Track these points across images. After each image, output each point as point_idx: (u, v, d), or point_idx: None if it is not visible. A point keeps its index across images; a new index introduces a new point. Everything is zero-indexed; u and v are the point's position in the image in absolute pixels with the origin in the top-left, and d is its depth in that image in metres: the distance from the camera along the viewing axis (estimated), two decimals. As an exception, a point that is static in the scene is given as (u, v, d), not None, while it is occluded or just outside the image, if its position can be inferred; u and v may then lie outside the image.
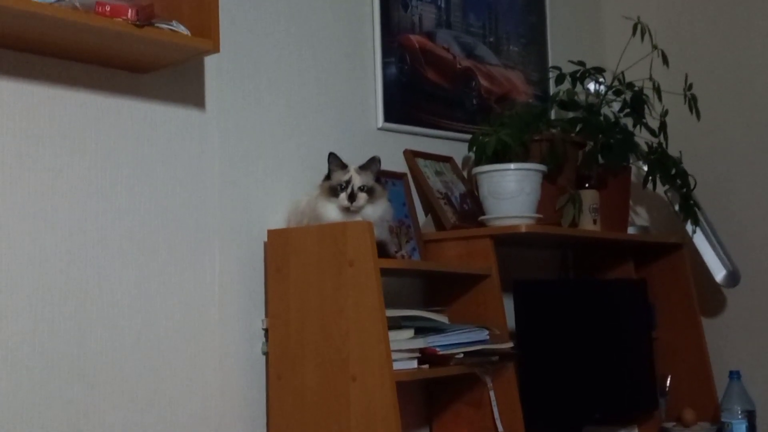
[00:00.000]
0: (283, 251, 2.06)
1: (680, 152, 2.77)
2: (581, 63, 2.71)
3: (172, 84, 2.03)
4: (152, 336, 1.95)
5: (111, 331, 1.89)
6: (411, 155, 2.54)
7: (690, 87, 2.71)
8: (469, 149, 2.54)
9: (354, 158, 2.15)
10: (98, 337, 1.88)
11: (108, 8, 1.70)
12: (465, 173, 2.70)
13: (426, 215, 2.54)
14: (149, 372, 1.93)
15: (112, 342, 1.89)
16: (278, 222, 2.17)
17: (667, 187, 2.77)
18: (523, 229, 2.33)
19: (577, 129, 2.63)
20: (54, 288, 1.83)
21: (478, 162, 2.49)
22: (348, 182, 2.05)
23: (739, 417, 2.53)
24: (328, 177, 2.10)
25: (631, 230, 2.78)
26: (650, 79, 2.68)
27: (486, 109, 2.74)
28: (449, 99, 2.67)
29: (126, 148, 1.95)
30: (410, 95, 2.56)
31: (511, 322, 2.34)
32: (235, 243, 2.11)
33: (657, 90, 2.67)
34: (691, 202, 2.74)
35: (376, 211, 2.06)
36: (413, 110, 2.57)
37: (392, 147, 2.49)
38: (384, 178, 2.23)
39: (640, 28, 2.66)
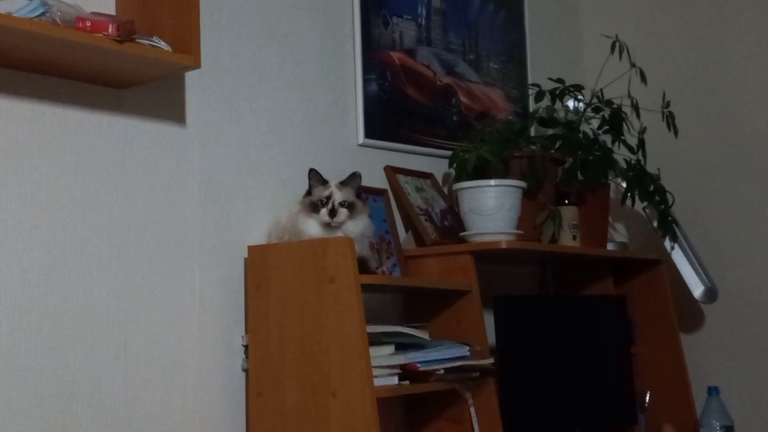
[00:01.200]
0: (263, 267, 2.06)
1: (658, 169, 2.81)
2: (560, 80, 2.74)
3: (153, 99, 2.03)
4: (131, 352, 1.94)
5: (89, 347, 1.88)
6: (392, 171, 2.54)
7: (668, 104, 2.74)
8: (450, 165, 2.55)
9: (335, 174, 2.16)
10: (76, 353, 1.86)
11: (89, 24, 1.69)
12: (445, 189, 2.71)
13: (407, 231, 2.53)
14: (127, 388, 1.92)
15: (90, 358, 1.88)
16: (259, 238, 2.18)
17: (645, 203, 2.80)
18: (504, 245, 2.34)
19: (557, 146, 2.64)
20: (32, 304, 1.82)
21: (459, 178, 2.50)
22: (329, 198, 2.05)
23: (718, 432, 2.57)
24: (308, 193, 2.10)
25: (610, 246, 2.80)
26: (628, 96, 2.71)
27: (466, 126, 2.75)
28: (430, 116, 2.68)
29: (106, 163, 1.95)
30: (391, 112, 2.57)
31: (491, 338, 2.34)
32: (215, 259, 2.11)
33: (635, 107, 2.70)
34: (669, 218, 2.76)
35: (356, 227, 2.07)
36: (394, 127, 2.57)
37: (373, 163, 2.49)
38: (365, 194, 2.23)
39: (618, 46, 2.69)
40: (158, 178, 2.04)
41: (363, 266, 2.03)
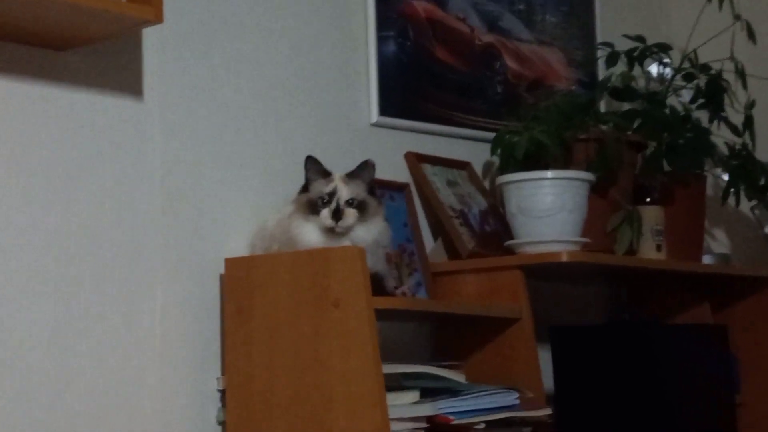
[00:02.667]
0: (245, 287, 2.08)
1: (772, 156, 2.83)
2: (640, 38, 2.73)
3: (101, 64, 2.04)
4: (72, 398, 1.95)
5: (16, 396, 1.88)
6: (415, 160, 2.54)
7: (785, 70, 2.77)
8: (493, 152, 2.55)
9: (340, 164, 2.17)
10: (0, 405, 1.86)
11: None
12: (486, 184, 2.71)
13: (435, 239, 2.55)
14: (67, 449, 1.94)
15: (18, 411, 1.87)
16: (239, 248, 2.19)
17: (754, 202, 2.80)
18: (564, 258, 2.34)
19: (636, 125, 2.64)
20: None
21: (504, 169, 2.50)
22: (332, 195, 2.06)
23: None
24: (305, 188, 2.12)
25: (706, 260, 2.79)
26: (731, 59, 2.69)
27: (514, 99, 2.75)
28: (466, 85, 2.68)
29: (38, 148, 1.96)
30: (414, 80, 2.57)
31: (548, 380, 2.36)
32: (181, 275, 2.12)
33: (740, 74, 2.69)
34: (787, 222, 2.80)
35: (369, 233, 2.08)
36: (418, 100, 2.57)
37: (390, 149, 2.51)
38: (380, 189, 2.24)
39: (717, -7, 2.71)
40: (107, 169, 2.04)
41: (377, 285, 2.04)
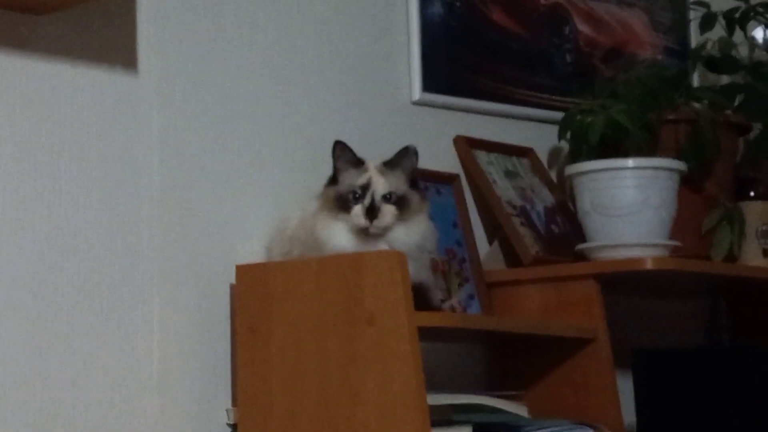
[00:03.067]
0: (261, 300, 2.07)
1: None
2: (742, -4, 2.71)
3: (86, 31, 2.04)
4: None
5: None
6: (466, 145, 2.53)
7: None
8: (561, 136, 2.54)
9: (375, 150, 2.17)
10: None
11: None
12: (553, 174, 2.69)
13: (491, 242, 2.54)
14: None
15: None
16: (253, 253, 2.19)
17: None
18: (649, 266, 2.33)
19: (736, 103, 2.64)
20: None
21: (576, 156, 2.50)
22: (366, 188, 2.06)
23: None
24: (333, 180, 2.11)
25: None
26: None
27: (587, 71, 2.74)
28: (528, 55, 2.66)
29: (11, 129, 1.95)
30: (464, 50, 2.55)
31: (628, 414, 2.35)
32: (183, 286, 2.12)
33: None
34: None
35: (410, 236, 2.07)
36: (469, 74, 2.55)
37: (436, 132, 2.51)
38: (423, 182, 2.23)
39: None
40: (93, 156, 2.03)
41: (421, 298, 2.02)
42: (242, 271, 2.11)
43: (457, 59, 2.54)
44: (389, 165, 2.09)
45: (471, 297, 2.41)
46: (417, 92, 2.48)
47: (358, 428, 1.95)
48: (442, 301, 2.31)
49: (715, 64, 2.72)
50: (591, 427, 2.19)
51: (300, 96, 2.32)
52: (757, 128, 2.64)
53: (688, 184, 2.48)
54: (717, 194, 2.55)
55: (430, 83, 2.49)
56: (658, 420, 2.39)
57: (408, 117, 2.47)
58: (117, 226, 2.05)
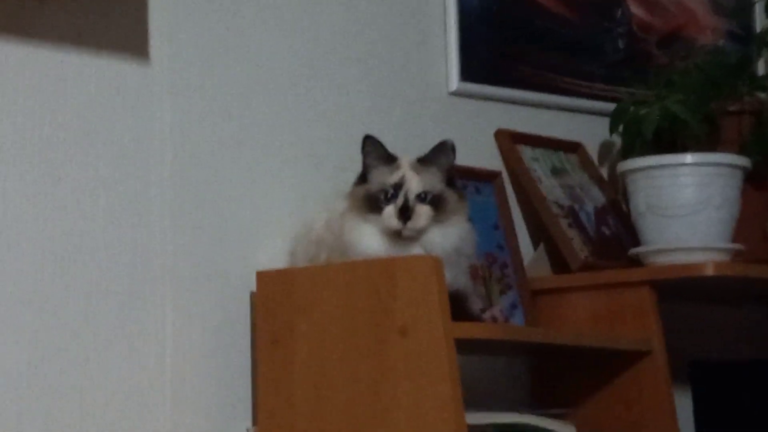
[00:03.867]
0: (284, 309, 2.09)
1: None
2: (814, -25, 2.70)
3: (93, 17, 2.05)
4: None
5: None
6: (509, 140, 2.54)
7: None
8: (613, 129, 2.55)
9: (408, 146, 2.18)
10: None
11: None
12: (604, 171, 2.69)
13: (536, 246, 2.55)
14: None
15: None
16: (275, 258, 2.20)
17: None
18: (710, 271, 2.34)
19: (807, 93, 2.63)
20: None
21: (628, 152, 2.51)
22: (398, 187, 2.07)
23: None
24: (363, 178, 2.12)
25: None
26: None
27: (641, 58, 2.73)
28: (576, 41, 2.66)
29: (12, 121, 1.96)
30: (506, 35, 2.56)
31: (686, 431, 2.33)
32: (198, 294, 2.13)
33: None
34: None
35: (447, 239, 2.08)
36: (511, 62, 2.56)
37: (475, 126, 2.51)
38: (462, 179, 2.25)
39: None
40: (101, 152, 2.04)
41: (459, 308, 2.03)
42: (263, 277, 2.11)
43: (498, 45, 2.54)
44: (424, 161, 2.10)
45: (514, 306, 2.42)
46: (454, 82, 2.49)
47: (391, 449, 1.95)
48: (482, 310, 2.32)
49: (783, 49, 2.71)
50: (647, 448, 2.20)
51: (326, 86, 2.33)
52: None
53: (753, 181, 2.48)
54: (786, 193, 2.51)
55: (468, 72, 2.49)
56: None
57: (445, 109, 2.47)
58: (125, 229, 2.06)
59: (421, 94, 2.45)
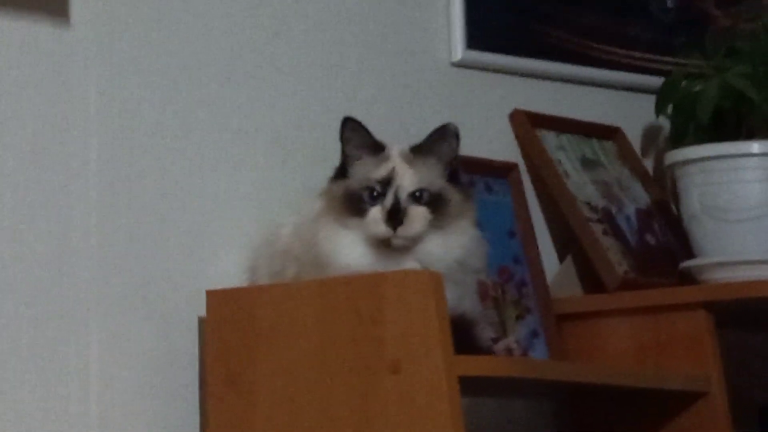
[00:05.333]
0: (241, 339, 2.08)
1: None
2: None
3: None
4: None
5: None
6: (528, 123, 2.54)
7: None
8: (659, 110, 2.56)
9: (400, 130, 2.20)
10: None
11: None
12: (649, 164, 2.70)
13: (562, 259, 2.56)
14: None
15: None
16: (230, 274, 2.21)
17: None
18: None
19: None
20: None
21: (680, 139, 2.51)
22: (387, 183, 2.07)
23: None
24: (342, 172, 2.13)
25: None
26: None
27: (697, 21, 2.74)
28: (616, 0, 2.67)
29: None
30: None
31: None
32: (132, 321, 2.14)
33: None
34: None
35: (449, 249, 2.08)
36: (532, 24, 2.57)
37: (485, 105, 2.52)
38: (468, 174, 2.23)
39: None
40: (6, 139, 2.05)
41: (464, 337, 2.03)
42: (215, 298, 2.11)
43: (514, 4, 2.55)
44: (420, 151, 2.09)
45: (534, 334, 2.42)
46: (459, 50, 2.49)
47: None
48: (494, 340, 2.32)
49: None
50: None
51: (296, 56, 2.33)
52: None
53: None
54: None
55: (476, 38, 2.50)
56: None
57: (447, 84, 2.48)
58: (39, 236, 2.07)
59: (417, 66, 2.46)
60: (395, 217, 2.02)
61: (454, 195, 2.08)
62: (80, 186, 2.09)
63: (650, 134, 2.71)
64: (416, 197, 2.04)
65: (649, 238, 2.57)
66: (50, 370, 2.05)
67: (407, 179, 2.05)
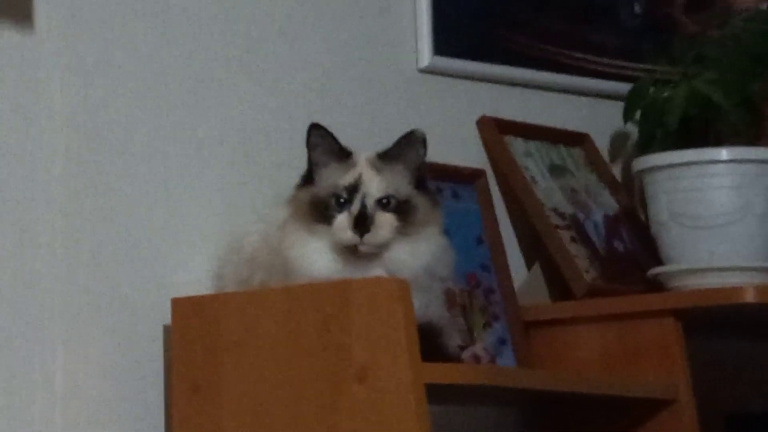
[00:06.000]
0: (207, 347, 2.08)
1: None
2: None
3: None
4: None
5: None
6: (495, 130, 2.54)
7: None
8: (627, 117, 2.57)
9: (368, 137, 2.20)
10: None
11: None
12: (617, 170, 2.70)
13: (530, 266, 2.56)
14: None
15: None
16: (196, 281, 2.21)
17: None
18: (751, 298, 2.35)
19: None
20: None
21: (647, 146, 2.51)
22: (353, 190, 2.07)
23: None
24: (308, 179, 2.13)
25: None
26: None
27: (664, 27, 2.75)
28: (583, 4, 2.68)
29: None
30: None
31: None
32: (97, 329, 2.13)
33: None
34: None
35: (416, 256, 2.08)
36: (499, 30, 2.57)
37: (452, 112, 2.52)
38: (435, 180, 2.25)
39: None
40: None
41: (432, 344, 2.03)
42: (181, 306, 2.11)
43: (482, 10, 2.55)
44: (387, 158, 2.10)
45: (502, 342, 2.42)
46: (426, 56, 2.49)
47: None
48: (461, 347, 2.32)
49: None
50: None
51: (263, 63, 2.33)
52: None
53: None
54: None
55: (444, 44, 2.50)
56: None
57: (414, 90, 2.49)
58: (3, 246, 2.06)
59: (384, 72, 2.47)
60: (362, 224, 2.02)
61: (421, 202, 2.08)
62: (45, 193, 2.09)
63: (618, 141, 2.71)
64: (383, 204, 2.04)
65: (617, 245, 2.58)
66: (15, 378, 2.04)
67: (374, 186, 2.05)
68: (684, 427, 2.32)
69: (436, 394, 1.97)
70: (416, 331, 1.95)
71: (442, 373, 1.99)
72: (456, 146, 2.48)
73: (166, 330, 2.13)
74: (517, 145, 2.55)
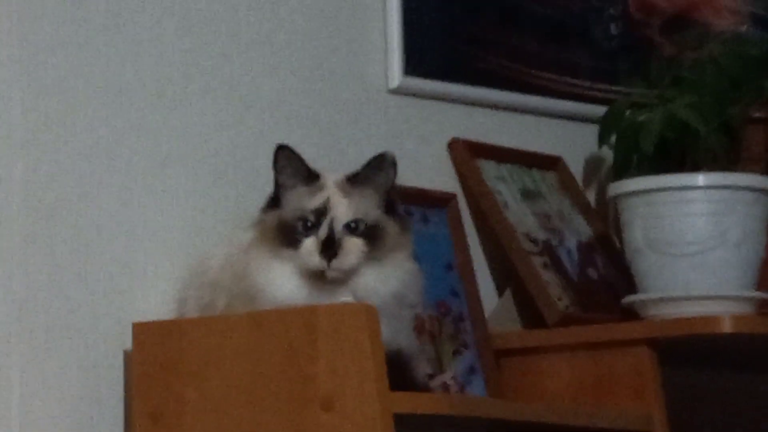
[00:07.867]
0: (168, 374, 2.08)
1: None
2: None
3: None
4: None
5: None
6: (466, 152, 2.55)
7: None
8: (602, 140, 2.58)
9: (336, 159, 2.22)
10: None
11: None
12: (591, 195, 2.71)
13: (501, 293, 2.56)
14: None
15: None
16: (157, 306, 2.20)
17: None
18: (727, 328, 2.36)
19: None
20: None
21: (623, 171, 2.52)
22: (322, 213, 2.07)
23: None
24: (275, 202, 2.13)
25: None
26: None
27: (641, 48, 2.76)
28: (557, 25, 2.68)
29: None
30: (465, 16, 2.57)
31: None
32: (55, 355, 2.12)
33: None
34: None
35: (385, 282, 2.09)
36: (471, 50, 2.58)
37: (422, 134, 2.53)
38: (405, 204, 2.25)
39: None
40: None
41: (400, 373, 2.04)
42: (142, 331, 2.11)
43: (453, 30, 2.56)
44: (356, 181, 2.10)
45: (472, 370, 2.42)
46: (397, 76, 2.50)
47: None
48: (430, 376, 2.32)
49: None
50: None
51: (229, 81, 2.34)
52: None
53: (782, 210, 2.48)
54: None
55: (414, 64, 2.51)
56: None
57: (384, 111, 2.49)
58: None
59: (353, 93, 2.47)
60: (329, 248, 2.02)
61: (390, 226, 2.08)
62: (2, 213, 2.09)
63: (592, 165, 2.73)
64: (351, 228, 2.05)
65: (591, 272, 2.59)
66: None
67: (342, 210, 2.05)
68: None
69: (404, 423, 1.98)
70: (384, 360, 1.95)
71: (410, 402, 2.00)
72: (426, 169, 2.50)
73: (127, 355, 2.13)
74: (489, 169, 2.56)
